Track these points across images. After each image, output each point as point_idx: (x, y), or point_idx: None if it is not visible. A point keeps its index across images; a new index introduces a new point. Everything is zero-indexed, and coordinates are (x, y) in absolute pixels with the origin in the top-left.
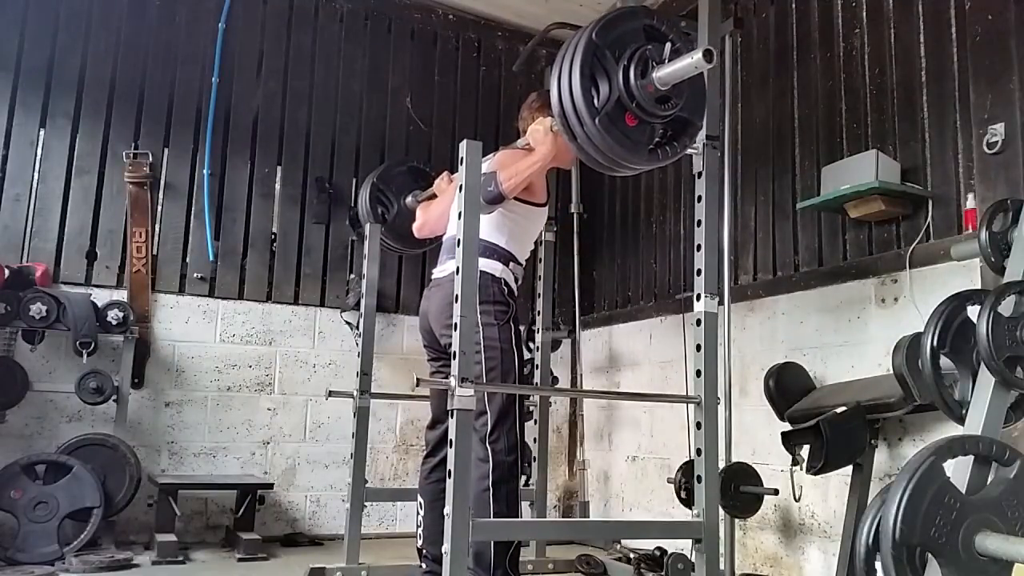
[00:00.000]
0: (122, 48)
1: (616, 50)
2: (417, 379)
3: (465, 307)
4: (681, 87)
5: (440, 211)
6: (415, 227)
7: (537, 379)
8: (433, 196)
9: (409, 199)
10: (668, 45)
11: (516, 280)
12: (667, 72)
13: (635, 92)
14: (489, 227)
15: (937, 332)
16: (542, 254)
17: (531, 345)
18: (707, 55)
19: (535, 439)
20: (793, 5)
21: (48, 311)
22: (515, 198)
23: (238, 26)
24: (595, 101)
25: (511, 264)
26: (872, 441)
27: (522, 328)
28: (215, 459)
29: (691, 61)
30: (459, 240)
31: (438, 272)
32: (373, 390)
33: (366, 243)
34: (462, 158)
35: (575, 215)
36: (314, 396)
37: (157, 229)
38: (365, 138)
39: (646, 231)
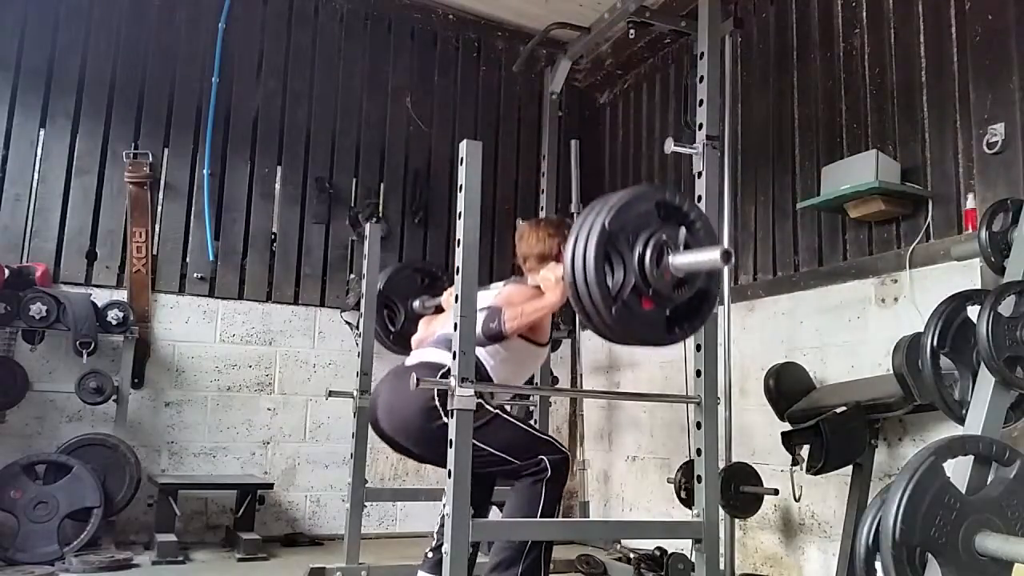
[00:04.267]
0: (122, 48)
1: (630, 235)
2: (417, 379)
3: (465, 307)
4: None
5: (443, 319)
6: (415, 339)
7: (537, 379)
8: (440, 309)
9: (416, 303)
10: (683, 230)
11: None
12: (684, 262)
13: (651, 279)
14: (484, 348)
15: (937, 332)
16: None
17: None
18: (724, 256)
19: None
20: (793, 5)
21: (48, 311)
22: (518, 335)
23: (238, 26)
24: (609, 285)
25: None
26: (872, 441)
27: None
28: (215, 459)
29: (708, 258)
30: (459, 240)
31: (413, 358)
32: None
33: (366, 243)
34: (462, 158)
35: (575, 215)
36: (314, 396)
37: (157, 229)
38: (365, 138)
39: None
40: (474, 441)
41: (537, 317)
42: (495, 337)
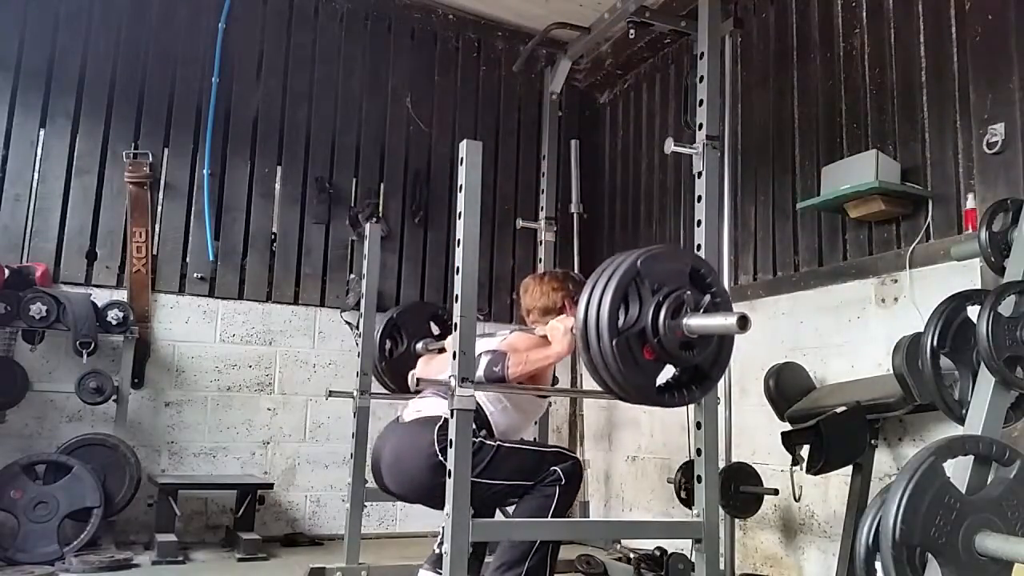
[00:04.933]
0: (122, 48)
1: (656, 283)
2: (417, 379)
3: (465, 307)
4: (708, 338)
5: (443, 364)
6: (412, 376)
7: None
8: (443, 350)
9: (420, 345)
10: (708, 297)
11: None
12: (698, 323)
13: (661, 329)
14: (485, 395)
15: (937, 332)
16: (542, 254)
17: None
18: (741, 322)
19: (535, 439)
20: (793, 5)
21: (48, 311)
22: (518, 383)
23: (238, 26)
24: (619, 322)
25: (483, 432)
26: (872, 441)
27: None
28: (215, 459)
29: (725, 323)
30: (459, 240)
31: (412, 412)
32: (373, 390)
33: (366, 243)
34: (462, 158)
35: (575, 215)
36: (314, 396)
37: (157, 229)
38: (365, 138)
39: (646, 231)
40: (485, 480)
41: (541, 366)
42: (498, 381)
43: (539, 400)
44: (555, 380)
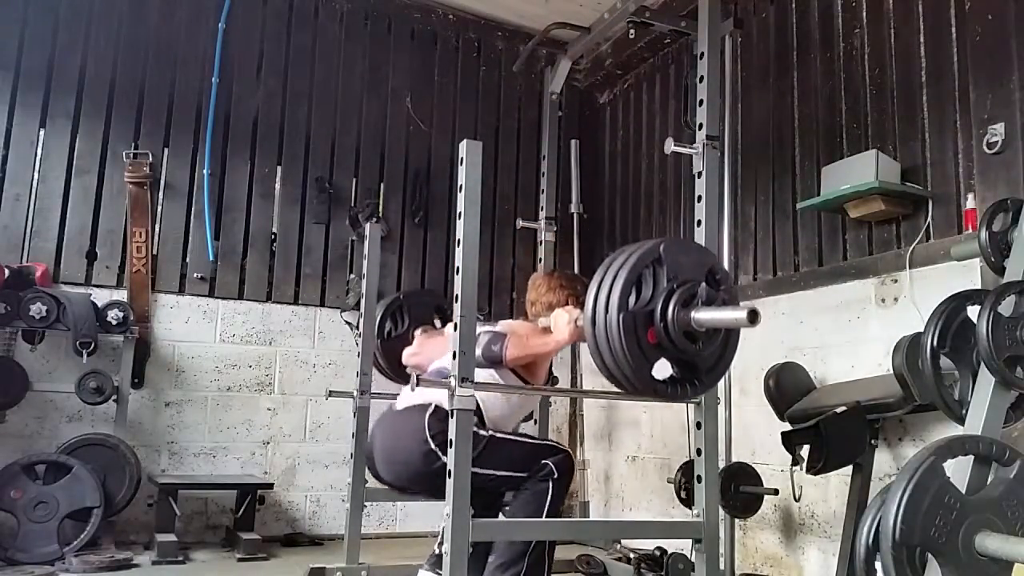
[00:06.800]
0: (122, 48)
1: (673, 271)
2: (417, 378)
3: (465, 307)
4: (713, 336)
5: (440, 349)
6: (407, 352)
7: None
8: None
9: (418, 331)
10: (721, 294)
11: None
12: (708, 317)
13: (669, 315)
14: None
15: (937, 332)
16: (542, 254)
17: None
18: (751, 315)
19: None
20: (793, 5)
21: (48, 311)
22: (514, 370)
23: (238, 26)
24: (629, 301)
25: (476, 424)
26: (872, 441)
27: None
28: (215, 459)
29: (734, 316)
30: (459, 240)
31: (405, 399)
32: (373, 390)
33: (366, 243)
34: (462, 158)
35: (575, 215)
36: (314, 396)
37: (157, 229)
38: (365, 138)
39: (646, 231)
40: (477, 469)
41: (540, 352)
42: (495, 361)
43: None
44: (555, 380)
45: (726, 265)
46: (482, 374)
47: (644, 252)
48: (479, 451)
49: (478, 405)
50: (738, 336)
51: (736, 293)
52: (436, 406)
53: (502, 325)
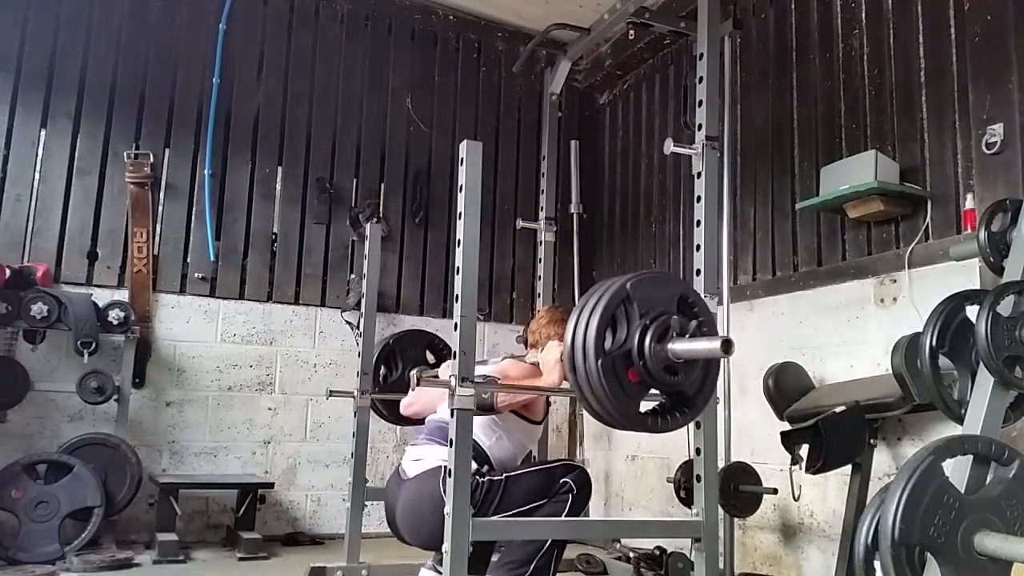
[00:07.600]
0: (123, 48)
1: (644, 307)
2: (417, 378)
3: (465, 307)
4: (693, 364)
5: (436, 395)
6: (404, 403)
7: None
8: (437, 377)
9: (414, 372)
10: (694, 323)
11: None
12: (683, 348)
13: (646, 352)
14: (479, 427)
15: (936, 332)
16: (542, 254)
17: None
18: (725, 345)
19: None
20: (793, 5)
21: (49, 311)
22: (512, 412)
23: (238, 27)
24: (605, 344)
25: (485, 467)
26: (871, 441)
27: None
28: (216, 458)
29: (709, 347)
30: (459, 240)
31: (412, 462)
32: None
33: (366, 243)
34: (462, 158)
35: (575, 215)
36: (315, 396)
37: (158, 229)
38: (365, 138)
39: (646, 231)
40: (504, 514)
41: (529, 398)
42: (487, 409)
43: (533, 427)
44: (547, 404)
45: (725, 265)
46: (484, 419)
47: (613, 293)
48: (500, 496)
49: (485, 452)
50: (718, 364)
51: (711, 316)
52: (446, 467)
53: (494, 369)
